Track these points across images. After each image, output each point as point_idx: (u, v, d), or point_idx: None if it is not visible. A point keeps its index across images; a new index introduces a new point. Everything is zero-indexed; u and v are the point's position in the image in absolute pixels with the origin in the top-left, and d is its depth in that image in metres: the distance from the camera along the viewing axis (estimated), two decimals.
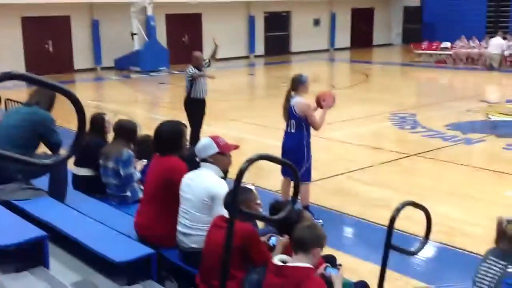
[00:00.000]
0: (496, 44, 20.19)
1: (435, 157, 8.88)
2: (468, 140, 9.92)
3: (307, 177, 6.19)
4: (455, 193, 7.13)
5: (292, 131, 6.14)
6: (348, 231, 6.37)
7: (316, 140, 6.28)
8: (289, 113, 6.17)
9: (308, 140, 6.16)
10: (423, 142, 9.89)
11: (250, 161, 2.78)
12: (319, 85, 17.45)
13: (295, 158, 6.03)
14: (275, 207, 3.61)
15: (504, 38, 20.49)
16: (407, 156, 9.00)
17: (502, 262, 2.75)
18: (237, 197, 2.89)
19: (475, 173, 8.15)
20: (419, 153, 9.11)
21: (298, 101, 6.08)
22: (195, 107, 8.87)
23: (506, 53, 20.21)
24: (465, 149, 9.42)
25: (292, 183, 6.23)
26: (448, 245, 5.62)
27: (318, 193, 6.86)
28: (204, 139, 3.88)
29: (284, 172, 6.22)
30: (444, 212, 6.41)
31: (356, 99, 14.48)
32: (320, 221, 5.95)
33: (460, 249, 5.50)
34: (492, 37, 21.11)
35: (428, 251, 5.52)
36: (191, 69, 8.83)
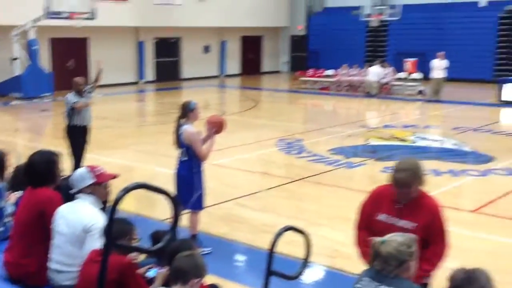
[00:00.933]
0: (374, 72, 21.46)
1: (320, 181, 9.19)
2: (349, 164, 10.38)
3: (198, 205, 6.14)
4: (338, 216, 7.38)
5: (184, 158, 6.07)
6: (237, 259, 6.36)
7: (205, 166, 6.25)
8: (179, 141, 6.11)
9: (198, 168, 6.10)
10: (308, 166, 10.21)
11: (127, 190, 2.69)
12: (209, 111, 17.54)
13: (186, 186, 5.97)
14: (155, 237, 3.52)
15: (382, 67, 21.84)
16: (293, 181, 9.23)
17: (374, 283, 2.86)
18: (111, 228, 2.78)
19: (356, 195, 8.47)
20: (305, 178, 9.38)
21: (185, 128, 6.03)
22: (76, 135, 8.55)
23: (383, 80, 21.55)
24: (347, 173, 9.83)
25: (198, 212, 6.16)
26: (331, 268, 5.80)
27: (207, 220, 6.81)
28: (80, 169, 3.73)
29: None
30: (327, 235, 6.62)
31: (245, 125, 14.71)
32: (209, 249, 5.91)
33: (341, 271, 5.68)
34: (371, 65, 22.41)
35: (313, 275, 5.65)
36: (70, 96, 8.54)
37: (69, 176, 4.73)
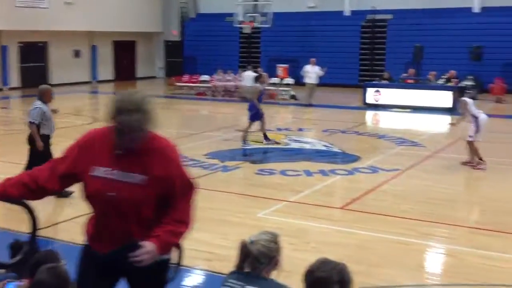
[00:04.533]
0: (248, 77, 21.88)
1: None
2: (225, 167, 10.48)
3: None
4: (214, 219, 7.40)
5: None
6: None
7: None
8: None
9: None
10: None
11: None
12: (81, 118, 16.86)
13: None
14: (15, 247, 3.29)
15: (255, 72, 22.30)
16: None
17: (240, 283, 2.89)
18: None
19: (232, 198, 8.60)
20: None
21: None
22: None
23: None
24: (222, 176, 9.92)
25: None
26: (208, 271, 5.80)
27: (72, 231, 6.51)
28: None
29: None
30: (203, 238, 6.61)
31: None
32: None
33: (218, 273, 5.70)
34: (244, 71, 22.83)
35: (189, 279, 5.62)
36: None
37: None
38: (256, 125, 12.97)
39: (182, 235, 3.17)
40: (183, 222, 3.15)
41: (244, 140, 12.73)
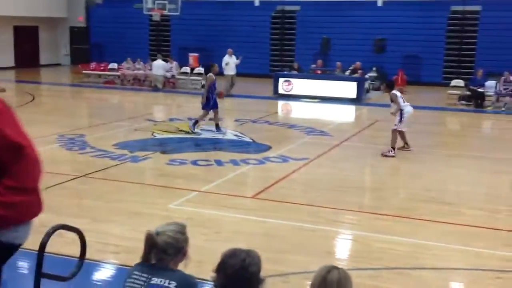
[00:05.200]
0: (159, 66, 21.54)
1: (104, 177, 8.91)
2: (135, 158, 10.25)
3: None
4: (123, 211, 7.24)
5: None
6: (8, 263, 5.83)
7: None
8: None
9: None
10: (92, 162, 9.83)
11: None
12: None
13: None
14: None
15: (166, 61, 22.01)
16: (75, 178, 8.80)
17: (145, 275, 2.84)
18: None
19: (143, 189, 8.43)
20: (88, 174, 9.01)
21: None
22: None
23: (168, 74, 21.76)
24: (132, 167, 9.70)
25: None
26: (116, 264, 5.66)
27: None
28: None
29: None
30: (111, 231, 6.44)
31: (22, 121, 13.57)
32: None
33: (126, 266, 5.56)
34: (154, 59, 22.43)
35: (97, 272, 5.46)
36: None
37: None
38: (207, 114, 13.11)
39: (18, 205, 2.72)
40: (17, 189, 2.69)
41: (218, 127, 12.98)
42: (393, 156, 10.88)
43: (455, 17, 25.07)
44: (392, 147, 11.00)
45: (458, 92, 19.35)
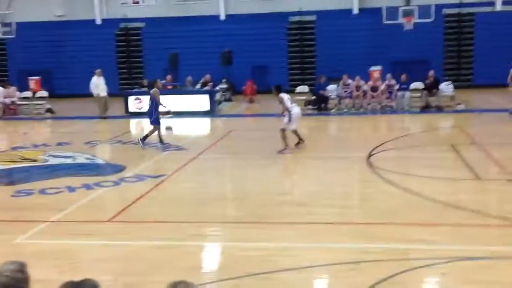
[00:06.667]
0: None
1: None
2: None
3: None
4: None
5: None
6: None
7: None
8: None
9: None
10: None
11: None
12: None
13: None
14: None
15: (4, 87, 20.56)
16: None
17: None
18: None
19: None
20: None
21: None
22: None
23: (7, 100, 20.33)
24: None
25: None
26: None
27: None
28: None
29: None
30: None
31: None
32: None
33: None
34: None
35: None
36: None
37: None
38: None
39: None
40: None
41: (161, 141, 13.26)
42: (289, 153, 11.82)
43: (294, 27, 26.45)
44: (286, 145, 11.95)
45: (304, 97, 20.36)
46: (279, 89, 12.32)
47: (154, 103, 13.20)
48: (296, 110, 12.16)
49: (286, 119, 11.99)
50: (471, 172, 9.81)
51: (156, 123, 13.28)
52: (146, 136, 13.31)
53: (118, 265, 6.06)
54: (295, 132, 12.27)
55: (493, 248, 6.22)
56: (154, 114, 13.18)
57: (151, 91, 13.48)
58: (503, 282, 5.37)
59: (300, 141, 12.39)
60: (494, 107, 18.71)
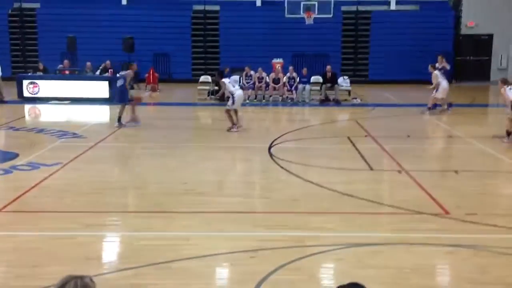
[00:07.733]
0: None
1: None
2: None
3: None
4: None
5: None
6: None
7: None
8: None
9: None
10: None
11: None
12: None
13: None
14: None
15: None
16: None
17: None
18: None
19: None
20: None
21: None
22: None
23: None
24: None
25: None
26: None
27: None
28: None
29: None
30: None
31: None
32: None
33: None
34: None
35: None
36: None
37: None
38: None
39: None
40: None
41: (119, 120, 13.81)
42: (236, 131, 13.04)
43: (198, 16, 26.29)
44: (233, 124, 13.20)
45: (207, 87, 20.32)
46: (221, 74, 13.98)
47: (125, 83, 13.95)
48: (239, 92, 13.35)
49: (230, 101, 13.13)
50: (365, 163, 10.29)
51: (125, 101, 13.97)
52: (119, 117, 13.86)
53: (8, 256, 5.78)
54: (235, 113, 13.26)
55: (385, 235, 6.58)
56: (126, 93, 13.96)
57: (126, 72, 14.34)
58: (394, 266, 5.70)
59: (233, 125, 13.25)
60: (387, 102, 19.81)
